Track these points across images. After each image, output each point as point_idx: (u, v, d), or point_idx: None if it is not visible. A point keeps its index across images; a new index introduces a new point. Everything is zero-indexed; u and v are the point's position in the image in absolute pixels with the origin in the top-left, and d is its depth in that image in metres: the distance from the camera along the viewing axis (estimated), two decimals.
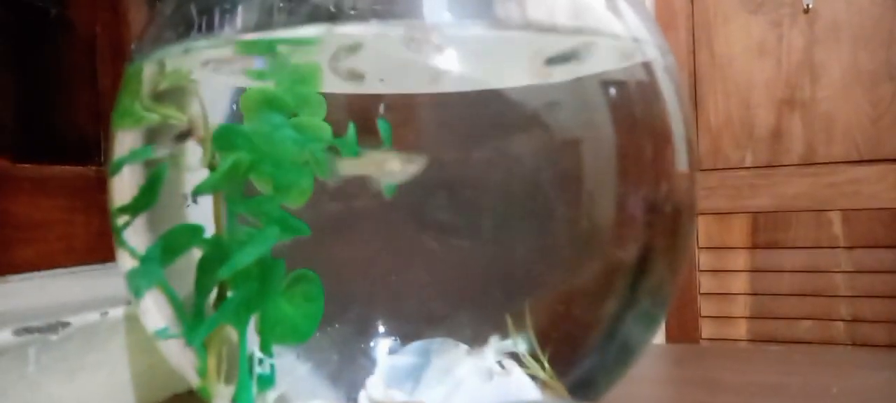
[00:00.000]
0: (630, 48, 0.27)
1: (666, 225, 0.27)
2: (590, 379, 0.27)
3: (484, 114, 0.24)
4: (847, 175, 1.05)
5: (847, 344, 1.04)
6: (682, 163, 0.27)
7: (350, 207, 0.24)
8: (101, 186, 0.27)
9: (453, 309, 0.25)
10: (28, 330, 0.27)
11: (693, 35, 1.12)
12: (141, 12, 0.40)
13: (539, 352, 0.25)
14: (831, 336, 1.06)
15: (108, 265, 0.36)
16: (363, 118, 0.23)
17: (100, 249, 0.34)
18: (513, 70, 0.25)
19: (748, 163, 1.11)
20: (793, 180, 1.08)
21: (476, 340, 0.24)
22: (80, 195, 0.34)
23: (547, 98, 0.24)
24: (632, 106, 0.26)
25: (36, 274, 0.33)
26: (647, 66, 0.27)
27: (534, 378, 0.25)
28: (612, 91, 0.26)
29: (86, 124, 0.38)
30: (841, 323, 1.05)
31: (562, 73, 0.25)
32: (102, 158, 0.26)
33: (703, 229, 1.12)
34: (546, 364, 0.25)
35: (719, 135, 1.12)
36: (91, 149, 0.37)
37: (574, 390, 0.26)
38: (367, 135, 0.22)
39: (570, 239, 0.25)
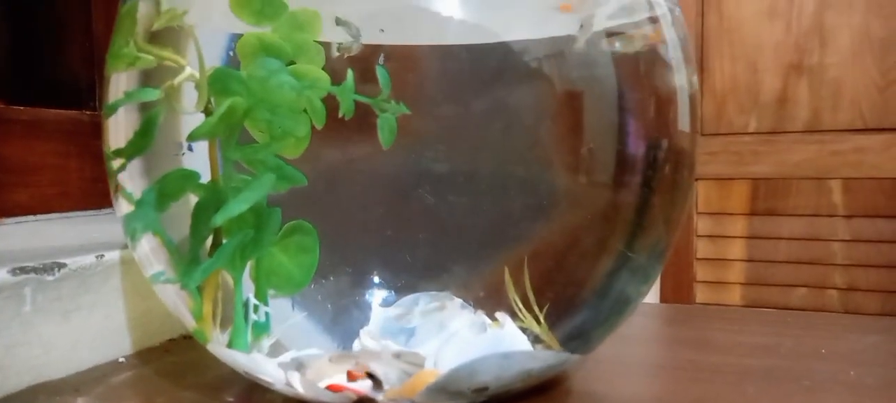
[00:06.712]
0: (637, 1, 0.26)
1: (664, 180, 0.27)
2: (583, 332, 0.27)
3: (484, 65, 0.23)
4: (851, 143, 1.05)
5: (839, 312, 1.05)
6: (683, 117, 0.27)
7: (347, 157, 0.23)
8: (95, 131, 0.27)
9: (449, 262, 0.25)
10: (24, 270, 0.27)
11: None
12: None
13: (535, 305, 0.25)
14: (824, 304, 1.07)
15: (103, 211, 0.35)
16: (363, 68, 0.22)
17: (94, 195, 0.34)
18: (520, 20, 0.24)
19: (752, 128, 1.10)
20: (796, 147, 1.07)
21: (472, 293, 0.24)
22: (74, 139, 0.34)
23: (547, 50, 0.24)
24: (635, 59, 0.25)
25: (30, 217, 0.33)
26: (653, 20, 0.26)
27: (527, 330, 0.25)
28: (616, 44, 0.25)
29: (80, 68, 0.37)
30: (835, 292, 1.06)
31: (569, 25, 0.24)
32: (97, 103, 0.25)
33: (703, 194, 1.11)
34: (541, 318, 0.25)
35: (724, 99, 1.11)
36: (85, 94, 0.36)
37: (567, 342, 0.26)
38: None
39: (568, 193, 0.25)
